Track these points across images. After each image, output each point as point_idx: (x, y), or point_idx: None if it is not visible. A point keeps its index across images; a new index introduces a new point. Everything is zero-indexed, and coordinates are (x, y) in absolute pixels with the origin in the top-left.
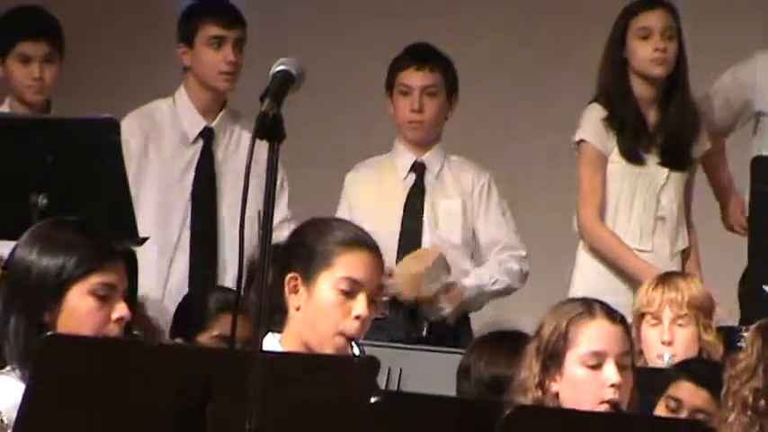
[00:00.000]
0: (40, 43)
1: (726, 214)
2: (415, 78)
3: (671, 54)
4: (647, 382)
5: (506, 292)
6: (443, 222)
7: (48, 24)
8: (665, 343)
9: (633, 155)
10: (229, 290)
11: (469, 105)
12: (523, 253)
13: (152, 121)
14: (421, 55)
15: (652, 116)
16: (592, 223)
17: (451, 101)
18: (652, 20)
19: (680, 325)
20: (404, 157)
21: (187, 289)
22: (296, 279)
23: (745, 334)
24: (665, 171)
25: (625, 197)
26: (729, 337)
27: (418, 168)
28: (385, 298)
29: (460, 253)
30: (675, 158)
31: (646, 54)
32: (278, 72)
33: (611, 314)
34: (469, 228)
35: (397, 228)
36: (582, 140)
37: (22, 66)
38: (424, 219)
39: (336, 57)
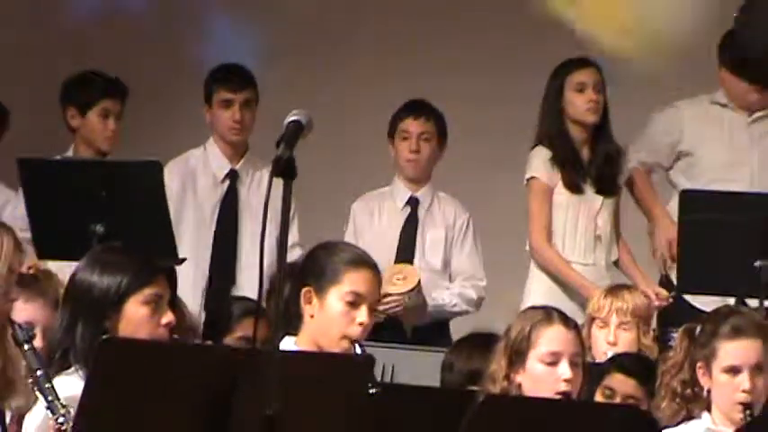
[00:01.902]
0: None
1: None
2: (413, 126)
3: (601, 104)
4: (589, 374)
5: (461, 314)
6: (429, 250)
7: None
8: (611, 343)
9: (575, 186)
10: (250, 300)
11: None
12: (483, 283)
13: (188, 166)
14: (418, 107)
15: (585, 154)
16: (540, 244)
17: (441, 146)
18: (586, 76)
19: (624, 329)
20: (401, 191)
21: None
22: (310, 292)
23: (675, 335)
24: (600, 198)
25: (570, 221)
26: (662, 337)
27: (413, 202)
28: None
29: (439, 275)
30: (606, 187)
31: (581, 104)
32: (290, 122)
33: (567, 321)
34: (448, 255)
35: (394, 251)
36: (532, 177)
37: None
38: (416, 245)
39: (342, 109)
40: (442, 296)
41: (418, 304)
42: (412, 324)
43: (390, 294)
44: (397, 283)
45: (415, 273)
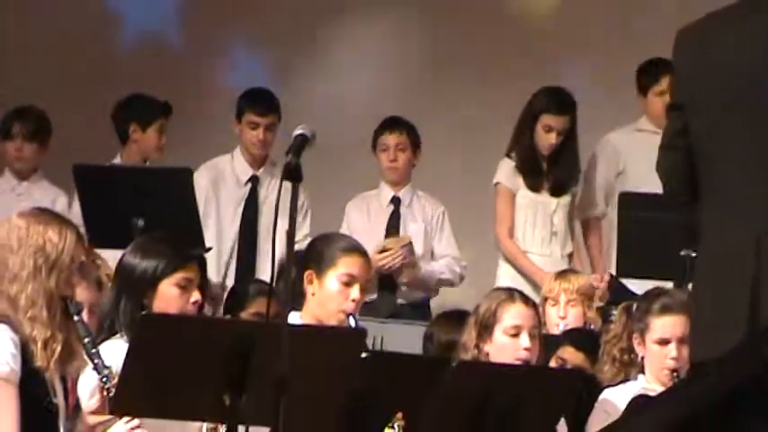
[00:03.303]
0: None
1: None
2: (390, 139)
3: (559, 144)
4: (544, 344)
5: (449, 283)
6: (412, 237)
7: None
8: (561, 318)
9: (534, 187)
10: (263, 281)
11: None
12: (464, 263)
13: (217, 169)
14: (394, 123)
15: (545, 164)
16: (503, 238)
17: (416, 153)
18: (555, 122)
19: (572, 305)
20: (386, 192)
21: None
22: (311, 275)
23: (615, 312)
24: (556, 200)
25: (530, 220)
26: (605, 314)
27: (395, 201)
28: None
29: (422, 259)
30: (560, 189)
31: (545, 142)
32: (297, 135)
33: (526, 300)
34: (429, 243)
35: (381, 240)
36: (498, 183)
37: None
38: (399, 233)
39: (341, 124)
40: (433, 265)
41: (412, 261)
42: (402, 281)
43: (387, 249)
44: (392, 242)
45: (406, 237)
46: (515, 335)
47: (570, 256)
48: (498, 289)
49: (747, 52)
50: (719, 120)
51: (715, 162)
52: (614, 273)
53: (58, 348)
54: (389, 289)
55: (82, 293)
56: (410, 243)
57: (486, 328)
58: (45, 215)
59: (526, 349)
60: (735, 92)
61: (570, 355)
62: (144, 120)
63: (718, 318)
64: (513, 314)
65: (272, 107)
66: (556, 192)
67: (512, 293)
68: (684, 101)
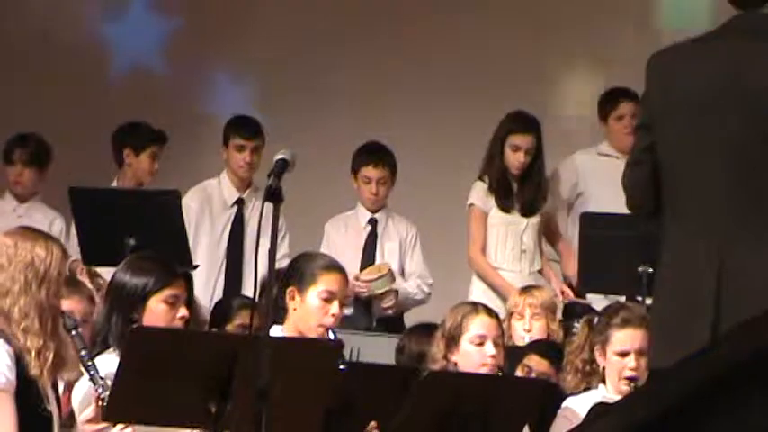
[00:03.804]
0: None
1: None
2: (372, 173)
3: (528, 162)
4: (511, 355)
5: (420, 302)
6: (387, 256)
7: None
8: (527, 330)
9: (505, 208)
10: (247, 296)
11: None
12: (430, 281)
13: (205, 192)
14: (375, 155)
15: (515, 186)
16: (475, 256)
17: (393, 180)
18: (521, 141)
19: (536, 319)
20: (363, 214)
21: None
22: (293, 291)
23: (577, 324)
24: (525, 220)
25: (501, 239)
26: (567, 327)
27: (373, 222)
28: (350, 296)
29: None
30: (530, 210)
31: (513, 161)
32: (278, 159)
33: (489, 311)
34: (402, 260)
35: (359, 257)
36: (471, 204)
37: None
38: (376, 254)
39: (320, 148)
40: (409, 288)
41: (391, 289)
42: (387, 305)
43: (360, 279)
44: (369, 273)
45: (386, 266)
46: (480, 344)
47: (539, 272)
48: (463, 303)
49: (710, 76)
50: (684, 139)
51: (679, 178)
52: (576, 288)
53: (51, 356)
54: (365, 305)
55: (75, 306)
56: (390, 271)
57: (453, 339)
58: (31, 233)
59: (492, 356)
60: (698, 113)
61: (536, 363)
62: (138, 146)
63: (681, 326)
64: (477, 324)
65: (257, 132)
66: (526, 212)
67: (476, 306)
68: (652, 121)
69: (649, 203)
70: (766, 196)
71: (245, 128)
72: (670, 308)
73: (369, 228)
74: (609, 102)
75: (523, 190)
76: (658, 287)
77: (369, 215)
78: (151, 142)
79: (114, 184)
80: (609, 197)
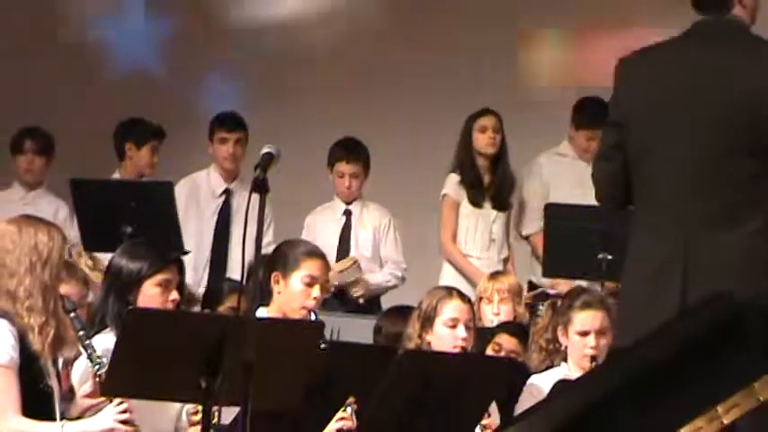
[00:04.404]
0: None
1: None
2: (346, 168)
3: (498, 141)
4: (481, 336)
5: (393, 287)
6: (362, 244)
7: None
8: (495, 314)
9: (476, 203)
10: (235, 280)
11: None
12: (404, 266)
13: (195, 183)
14: (350, 150)
15: (487, 179)
16: (446, 243)
17: (367, 174)
18: (487, 121)
19: (503, 303)
20: (339, 206)
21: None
22: (278, 276)
23: (542, 307)
24: (495, 212)
25: (472, 228)
26: (532, 309)
27: (347, 213)
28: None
29: (370, 262)
30: (500, 204)
31: (483, 140)
32: (265, 153)
33: (462, 296)
34: (377, 247)
35: (335, 246)
36: (445, 194)
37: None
38: (351, 241)
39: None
40: (379, 277)
41: (359, 279)
42: (356, 295)
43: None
44: (339, 265)
45: (352, 258)
46: (453, 326)
47: (506, 260)
48: (438, 287)
49: (675, 81)
50: (652, 136)
51: (647, 173)
52: (542, 274)
53: (52, 333)
54: (340, 293)
55: (71, 290)
56: (356, 262)
57: (427, 321)
58: (32, 220)
59: (463, 339)
60: (665, 112)
61: (505, 342)
62: (139, 140)
63: (650, 307)
64: (451, 308)
65: (238, 125)
66: (496, 206)
67: (450, 291)
68: (622, 119)
69: (619, 196)
70: (727, 186)
71: (227, 122)
72: (640, 291)
73: (344, 218)
74: (581, 106)
75: (493, 182)
76: (628, 272)
77: (343, 206)
78: (152, 137)
79: (117, 176)
80: (569, 193)
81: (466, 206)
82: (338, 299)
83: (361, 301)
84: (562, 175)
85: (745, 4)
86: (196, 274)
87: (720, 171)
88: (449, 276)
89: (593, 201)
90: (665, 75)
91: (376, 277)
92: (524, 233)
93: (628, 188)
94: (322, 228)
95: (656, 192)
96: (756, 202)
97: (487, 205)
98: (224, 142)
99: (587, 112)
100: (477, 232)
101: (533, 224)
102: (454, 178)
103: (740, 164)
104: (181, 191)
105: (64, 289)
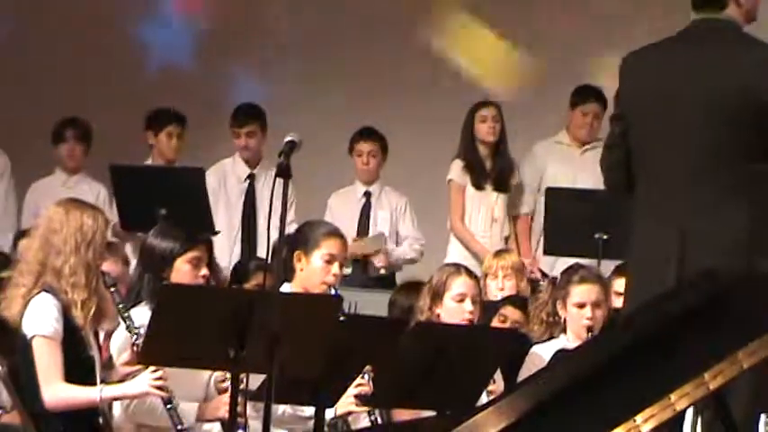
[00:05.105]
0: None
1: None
2: (363, 146)
3: (497, 129)
4: (488, 308)
5: (413, 261)
6: (380, 223)
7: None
8: (500, 289)
9: (479, 186)
10: (261, 258)
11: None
12: (423, 242)
13: (223, 170)
14: (366, 133)
15: (488, 165)
16: (455, 224)
17: (384, 157)
18: (487, 111)
19: (507, 279)
20: (360, 188)
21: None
22: (300, 254)
23: (543, 283)
24: (496, 194)
25: (475, 209)
26: (534, 285)
27: (367, 195)
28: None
29: (388, 239)
30: (500, 187)
31: (484, 129)
32: (288, 141)
33: (470, 273)
34: (394, 226)
35: (356, 224)
36: (451, 180)
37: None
38: (370, 221)
39: (326, 131)
40: (400, 250)
41: (381, 249)
42: (379, 265)
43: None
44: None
45: (380, 234)
46: (461, 300)
47: (507, 238)
48: (448, 264)
49: (675, 74)
50: (652, 127)
51: (649, 161)
52: (543, 252)
53: (93, 308)
54: (363, 266)
55: (112, 268)
56: (383, 235)
57: (437, 295)
58: (79, 203)
59: (470, 312)
60: (664, 105)
61: (511, 313)
62: (156, 127)
63: (651, 285)
64: (459, 284)
65: (250, 118)
66: (498, 188)
67: (459, 268)
68: (626, 112)
69: (624, 183)
70: (722, 174)
71: (238, 117)
72: (642, 271)
73: (364, 199)
74: (581, 95)
75: (495, 166)
76: (633, 254)
77: (364, 188)
78: (167, 123)
79: (149, 162)
80: (563, 177)
81: (469, 189)
82: (362, 268)
83: (382, 271)
84: (557, 162)
85: (740, 3)
86: (227, 254)
87: (715, 160)
88: (454, 253)
89: (581, 182)
90: (663, 71)
91: (397, 250)
92: (512, 213)
93: (631, 175)
94: (344, 208)
95: (656, 179)
96: (749, 189)
97: (489, 188)
98: (237, 136)
99: (580, 93)
100: (480, 213)
101: (523, 207)
102: (458, 164)
103: (733, 153)
104: (211, 178)
105: (106, 266)
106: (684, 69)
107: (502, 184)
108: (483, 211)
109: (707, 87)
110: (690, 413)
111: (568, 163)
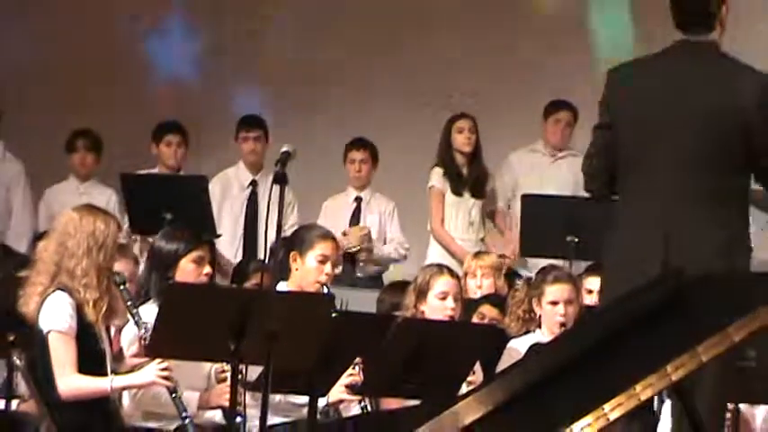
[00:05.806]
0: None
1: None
2: (355, 155)
3: (473, 140)
4: (467, 306)
5: (396, 261)
6: (369, 225)
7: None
8: (479, 287)
9: (457, 192)
10: (260, 260)
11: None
12: (407, 245)
13: (227, 177)
14: (358, 143)
15: (465, 172)
16: (436, 226)
17: (375, 165)
18: (463, 123)
19: (485, 278)
20: (351, 194)
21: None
22: (295, 255)
23: (519, 282)
24: (473, 200)
25: (454, 214)
26: (511, 282)
27: (358, 200)
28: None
29: (376, 240)
30: (476, 193)
31: (460, 140)
32: (283, 151)
33: (452, 272)
34: (382, 230)
35: (347, 226)
36: (432, 186)
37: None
38: (360, 222)
39: (324, 143)
40: (385, 250)
41: (369, 246)
42: (365, 260)
43: (347, 233)
44: (354, 230)
45: (365, 227)
46: (443, 298)
47: (482, 239)
48: (431, 265)
49: (659, 86)
50: (639, 137)
51: (633, 171)
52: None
53: (104, 306)
54: (352, 266)
55: (124, 267)
56: (369, 231)
57: (422, 293)
58: (93, 209)
59: (452, 309)
60: (649, 116)
61: (488, 311)
62: (157, 137)
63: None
64: (441, 283)
65: (257, 125)
66: (474, 194)
67: (441, 268)
68: (612, 121)
69: (604, 189)
70: (705, 183)
71: (247, 123)
72: (623, 275)
73: (355, 204)
74: (553, 106)
75: (471, 173)
76: (611, 257)
77: (355, 194)
78: (165, 133)
79: (156, 171)
80: (537, 184)
81: (449, 195)
82: (348, 268)
83: (370, 270)
84: (531, 170)
85: (723, 26)
86: (231, 256)
87: (699, 170)
88: (434, 255)
89: (549, 189)
90: (649, 84)
91: (382, 250)
92: (488, 209)
93: (611, 182)
94: (337, 211)
95: (641, 188)
96: (731, 198)
97: (467, 194)
98: (246, 141)
99: (552, 104)
100: (458, 217)
101: (498, 204)
102: (438, 171)
103: (717, 164)
104: (215, 185)
105: (117, 266)
106: (675, 85)
107: (478, 191)
108: (461, 216)
109: (696, 104)
110: (666, 408)
111: (538, 171)
